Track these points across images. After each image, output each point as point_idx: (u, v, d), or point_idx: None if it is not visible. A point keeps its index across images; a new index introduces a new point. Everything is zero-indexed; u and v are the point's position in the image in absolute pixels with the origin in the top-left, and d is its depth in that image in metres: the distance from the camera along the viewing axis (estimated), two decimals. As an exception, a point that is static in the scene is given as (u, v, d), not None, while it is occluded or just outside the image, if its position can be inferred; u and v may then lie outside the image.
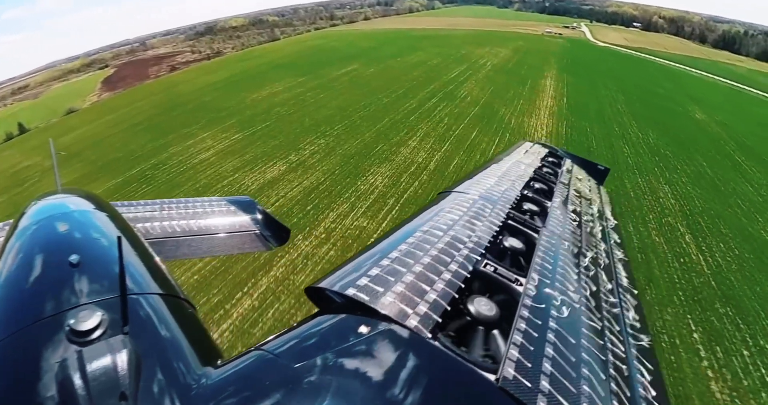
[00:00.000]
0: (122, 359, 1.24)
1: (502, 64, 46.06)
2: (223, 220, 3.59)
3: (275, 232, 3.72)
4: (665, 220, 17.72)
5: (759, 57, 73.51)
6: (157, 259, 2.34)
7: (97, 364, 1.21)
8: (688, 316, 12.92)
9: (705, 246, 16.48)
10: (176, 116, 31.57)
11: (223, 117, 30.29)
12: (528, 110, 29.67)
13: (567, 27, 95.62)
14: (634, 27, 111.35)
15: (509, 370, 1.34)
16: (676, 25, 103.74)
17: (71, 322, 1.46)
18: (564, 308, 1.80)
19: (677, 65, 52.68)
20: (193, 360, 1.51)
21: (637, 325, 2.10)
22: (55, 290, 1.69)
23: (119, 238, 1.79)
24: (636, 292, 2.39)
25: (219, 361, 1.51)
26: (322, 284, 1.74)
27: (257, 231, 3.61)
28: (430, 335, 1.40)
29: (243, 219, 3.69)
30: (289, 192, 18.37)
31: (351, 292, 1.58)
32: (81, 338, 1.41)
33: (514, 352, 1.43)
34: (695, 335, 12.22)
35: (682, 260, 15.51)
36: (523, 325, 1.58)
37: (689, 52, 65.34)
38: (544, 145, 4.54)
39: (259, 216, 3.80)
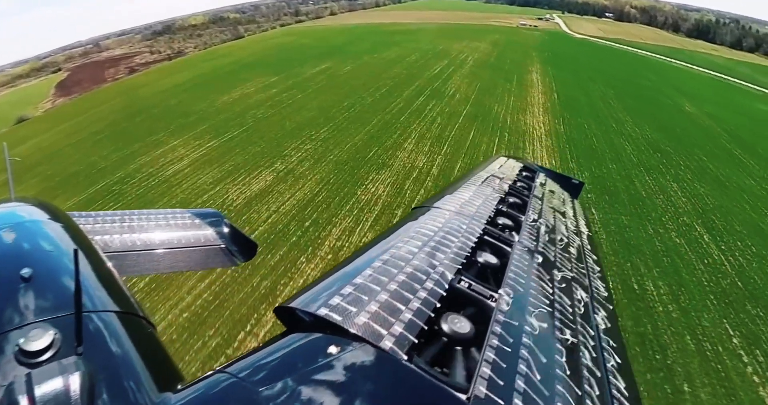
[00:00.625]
0: (75, 382, 1.21)
1: (484, 58, 46.07)
2: (188, 234, 3.51)
3: (242, 247, 3.66)
4: (681, 220, 17.71)
5: (733, 46, 77.05)
6: (116, 274, 2.28)
7: (48, 387, 1.19)
8: (724, 320, 12.91)
9: (724, 245, 16.57)
10: (141, 122, 29.62)
11: (194, 122, 28.64)
12: (521, 107, 29.51)
13: (541, 19, 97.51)
14: (607, 17, 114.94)
15: (481, 389, 1.36)
16: (649, 15, 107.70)
17: (21, 341, 1.43)
18: (537, 323, 1.83)
19: (657, 56, 54.35)
20: (151, 384, 1.47)
21: (613, 339, 2.12)
22: (3, 306, 1.67)
23: (75, 250, 1.76)
24: (612, 306, 2.42)
25: (179, 385, 1.46)
26: (293, 304, 1.71)
27: (223, 245, 3.55)
28: (404, 357, 1.38)
29: (208, 233, 3.61)
30: (282, 206, 17.23)
31: (323, 312, 1.56)
32: (31, 359, 1.39)
33: (486, 370, 1.44)
34: (735, 340, 12.18)
35: (705, 261, 15.56)
36: (495, 342, 1.60)
37: (665, 42, 67.69)
38: (518, 160, 4.65)
39: (225, 230, 3.73)
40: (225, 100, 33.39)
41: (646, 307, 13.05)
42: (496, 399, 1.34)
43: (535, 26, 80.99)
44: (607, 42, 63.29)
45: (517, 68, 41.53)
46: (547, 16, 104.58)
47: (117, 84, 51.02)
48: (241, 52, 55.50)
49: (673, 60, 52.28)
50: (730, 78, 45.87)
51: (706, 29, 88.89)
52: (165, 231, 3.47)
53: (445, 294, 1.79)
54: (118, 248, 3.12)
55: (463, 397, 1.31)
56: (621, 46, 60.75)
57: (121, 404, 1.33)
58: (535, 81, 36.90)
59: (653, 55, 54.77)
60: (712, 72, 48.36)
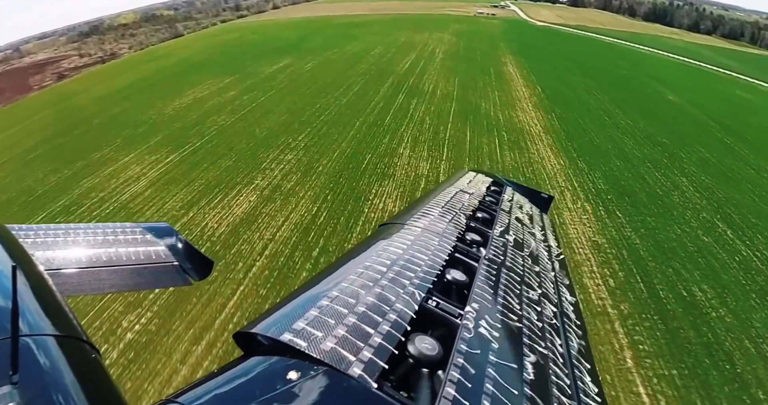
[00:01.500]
0: None
1: (452, 50, 45.90)
2: (138, 250, 3.42)
3: (197, 264, 3.60)
4: (701, 216, 17.91)
5: (690, 28, 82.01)
6: (58, 294, 2.23)
7: None
8: (771, 320, 12.89)
9: (748, 240, 16.95)
10: (80, 136, 26.62)
11: (145, 133, 26.09)
12: (508, 103, 29.30)
13: (496, 6, 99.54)
14: (561, 3, 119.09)
15: None
16: (603, 0, 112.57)
17: None
18: (504, 340, 1.85)
19: (621, 42, 56.75)
20: None
21: (582, 355, 2.16)
22: None
23: (14, 267, 1.76)
24: (580, 322, 2.46)
25: None
26: (253, 329, 1.66)
27: (176, 262, 3.48)
28: (374, 384, 1.38)
29: (160, 249, 3.56)
30: (278, 232, 15.61)
31: (286, 337, 1.53)
32: None
33: (450, 390, 1.45)
34: (786, 343, 12.14)
35: (737, 259, 15.90)
36: (460, 361, 1.62)
37: (625, 28, 70.87)
38: (487, 174, 4.76)
39: (179, 245, 3.68)
40: (177, 106, 30.83)
41: (700, 314, 12.98)
42: None
43: (493, 14, 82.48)
44: (569, 29, 65.40)
45: (490, 60, 41.58)
46: (503, 3, 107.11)
47: (46, 92, 46.38)
48: (183, 52, 52.28)
49: (638, 45, 54.69)
50: (696, 62, 48.44)
51: (662, 13, 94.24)
52: (113, 247, 3.34)
53: (414, 315, 1.78)
54: (61, 265, 2.99)
55: None
56: (584, 33, 62.95)
57: None
58: (513, 73, 36.97)
59: (617, 41, 57.12)
60: (679, 57, 50.96)
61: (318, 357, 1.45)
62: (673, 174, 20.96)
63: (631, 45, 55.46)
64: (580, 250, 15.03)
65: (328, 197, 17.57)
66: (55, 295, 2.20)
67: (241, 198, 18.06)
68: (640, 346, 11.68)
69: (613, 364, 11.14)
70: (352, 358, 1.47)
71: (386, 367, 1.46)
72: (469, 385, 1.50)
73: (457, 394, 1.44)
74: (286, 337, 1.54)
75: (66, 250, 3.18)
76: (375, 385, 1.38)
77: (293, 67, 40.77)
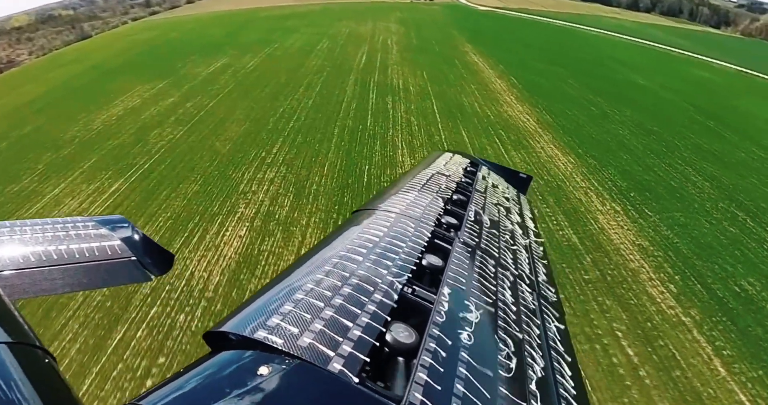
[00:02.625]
0: None
1: (406, 41, 45.57)
2: (92, 246, 3.35)
3: (156, 258, 3.62)
4: (719, 206, 18.79)
5: (630, 7, 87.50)
6: (5, 297, 2.25)
7: None
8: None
9: (767, 225, 17.62)
10: (-11, 166, 22.71)
11: (73, 155, 23.03)
12: (489, 97, 29.29)
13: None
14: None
15: (416, 395, 1.41)
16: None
17: None
18: (477, 324, 1.93)
19: (570, 24, 59.36)
20: None
21: (559, 338, 2.25)
22: None
23: None
24: (557, 303, 2.57)
25: None
26: (225, 327, 1.67)
27: (134, 258, 3.46)
28: (355, 379, 1.42)
29: (116, 244, 3.50)
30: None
31: (261, 335, 1.55)
32: None
33: (422, 375, 1.50)
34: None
35: (765, 247, 16.66)
36: (432, 346, 1.67)
37: (567, 9, 74.30)
38: (464, 155, 4.89)
39: (136, 239, 3.65)
40: (106, 120, 27.67)
41: (758, 309, 13.53)
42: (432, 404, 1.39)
43: (431, 0, 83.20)
44: (513, 13, 67.62)
45: (450, 50, 41.66)
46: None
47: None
48: (97, 55, 47.77)
49: (586, 27, 57.57)
50: (648, 42, 51.71)
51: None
52: (64, 243, 3.27)
53: (394, 305, 1.84)
54: (8, 266, 2.93)
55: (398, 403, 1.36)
56: (529, 16, 65.28)
57: None
58: (480, 64, 37.18)
59: (565, 23, 59.76)
60: (630, 38, 54.17)
61: (296, 354, 1.46)
62: (678, 164, 21.77)
63: (580, 27, 58.27)
64: (631, 256, 14.96)
65: (340, 223, 16.10)
66: (2, 299, 2.17)
67: (228, 233, 16.06)
68: (724, 352, 11.92)
69: (710, 377, 11.22)
70: (331, 353, 1.49)
71: (367, 360, 1.49)
72: (441, 370, 1.56)
73: (429, 379, 1.49)
74: (261, 334, 1.55)
75: (12, 249, 3.09)
76: (356, 380, 1.40)
77: (234, 67, 38.33)
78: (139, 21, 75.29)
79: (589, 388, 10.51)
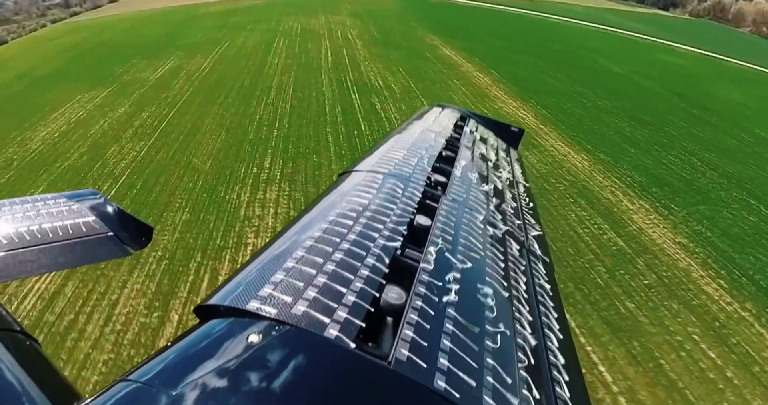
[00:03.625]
0: None
1: (368, 35, 45.26)
2: (66, 223, 3.39)
3: (133, 232, 3.63)
4: (733, 195, 20.47)
5: None
6: None
7: None
8: None
9: (784, 213, 18.94)
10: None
11: (13, 183, 21.28)
12: (478, 93, 29.73)
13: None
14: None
15: (402, 351, 1.49)
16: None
17: None
18: (464, 280, 2.02)
19: (526, 12, 61.28)
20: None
21: (548, 292, 2.35)
22: None
23: None
24: (548, 259, 2.69)
25: (75, 404, 1.49)
26: (214, 300, 1.71)
27: (111, 233, 3.50)
28: (352, 344, 1.49)
29: (91, 219, 3.54)
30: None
31: (253, 306, 1.59)
32: None
33: (409, 332, 1.57)
34: None
35: None
36: (418, 303, 1.75)
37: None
38: (453, 109, 5.01)
39: (111, 213, 3.69)
40: (47, 137, 25.65)
41: None
42: (419, 361, 1.48)
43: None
44: (466, 1, 68.58)
45: (419, 44, 41.79)
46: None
47: None
48: (19, 63, 44.35)
49: (544, 14, 59.75)
50: (609, 28, 54.32)
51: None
52: (36, 223, 3.29)
53: (387, 269, 1.91)
54: None
55: (385, 362, 1.45)
56: (482, 4, 66.83)
57: None
58: (455, 58, 37.52)
59: (521, 11, 61.65)
60: (590, 24, 56.70)
61: (291, 323, 1.51)
62: (682, 155, 22.97)
63: (536, 14, 60.34)
64: (677, 256, 15.60)
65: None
66: None
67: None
68: (796, 346, 12.76)
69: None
70: (326, 320, 1.54)
71: (363, 325, 1.55)
72: (428, 326, 1.63)
73: (415, 336, 1.56)
74: (253, 305, 1.59)
75: None
76: (353, 345, 1.47)
77: (187, 70, 36.45)
78: (60, 23, 71.50)
79: (692, 398, 10.73)
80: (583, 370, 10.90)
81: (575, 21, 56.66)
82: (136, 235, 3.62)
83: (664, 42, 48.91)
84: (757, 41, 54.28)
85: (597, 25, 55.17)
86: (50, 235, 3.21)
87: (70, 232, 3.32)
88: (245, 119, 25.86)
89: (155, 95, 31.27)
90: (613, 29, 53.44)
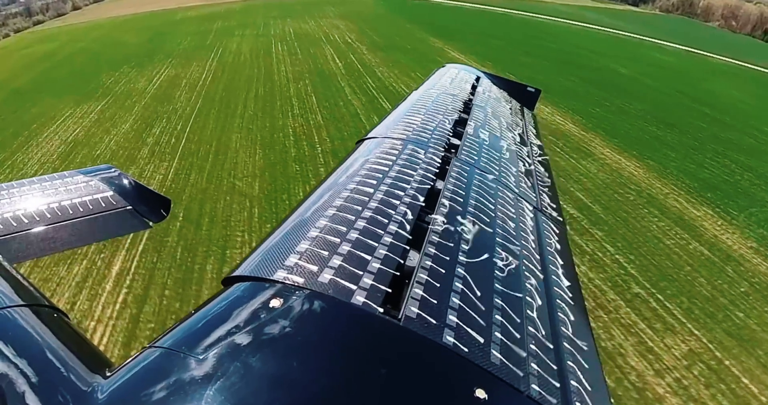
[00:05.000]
0: None
1: (367, 39, 45.18)
2: (85, 200, 3.49)
3: (152, 205, 3.73)
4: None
5: None
6: (5, 263, 2.28)
7: None
8: None
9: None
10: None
11: None
12: None
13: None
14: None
15: (412, 309, 1.57)
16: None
17: None
18: (474, 239, 2.09)
19: (510, 11, 62.27)
20: (78, 375, 1.54)
21: (559, 252, 2.41)
22: None
23: None
24: (561, 218, 2.76)
25: (107, 371, 1.54)
26: (241, 271, 1.77)
27: (129, 207, 3.58)
28: (379, 309, 1.54)
29: (109, 194, 3.63)
30: None
31: (281, 275, 1.64)
32: None
33: (418, 291, 1.66)
34: None
35: None
36: (428, 263, 1.83)
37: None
38: (468, 70, 5.18)
39: (128, 188, 3.75)
40: (44, 159, 25.01)
41: None
42: (428, 317, 1.55)
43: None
44: (448, 1, 69.04)
45: (423, 47, 42.15)
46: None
47: None
48: None
49: (526, 13, 60.93)
50: (596, 27, 55.81)
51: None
52: (57, 201, 3.33)
53: (409, 236, 1.96)
54: (3, 231, 2.97)
55: (395, 320, 1.53)
56: (463, 3, 67.51)
57: (49, 402, 1.35)
58: (467, 62, 37.60)
59: (504, 10, 62.58)
60: (576, 22, 58.03)
61: (318, 290, 1.57)
62: (714, 156, 24.07)
63: (521, 13, 61.39)
64: (755, 260, 16.39)
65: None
66: (3, 264, 2.22)
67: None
68: None
69: None
70: (353, 286, 1.61)
71: (389, 291, 1.63)
72: (438, 285, 1.71)
73: (425, 294, 1.63)
74: (281, 274, 1.64)
75: (5, 213, 3.09)
76: (381, 310, 1.54)
77: (187, 79, 35.58)
78: (25, 32, 69.18)
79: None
80: (731, 385, 11.38)
81: (559, 19, 57.91)
82: (155, 208, 3.73)
83: (649, 39, 50.82)
84: (727, 36, 57.34)
85: (581, 24, 56.65)
86: (71, 212, 3.30)
87: (90, 207, 3.41)
88: (277, 133, 25.16)
89: (160, 108, 30.29)
90: (598, 27, 55.04)
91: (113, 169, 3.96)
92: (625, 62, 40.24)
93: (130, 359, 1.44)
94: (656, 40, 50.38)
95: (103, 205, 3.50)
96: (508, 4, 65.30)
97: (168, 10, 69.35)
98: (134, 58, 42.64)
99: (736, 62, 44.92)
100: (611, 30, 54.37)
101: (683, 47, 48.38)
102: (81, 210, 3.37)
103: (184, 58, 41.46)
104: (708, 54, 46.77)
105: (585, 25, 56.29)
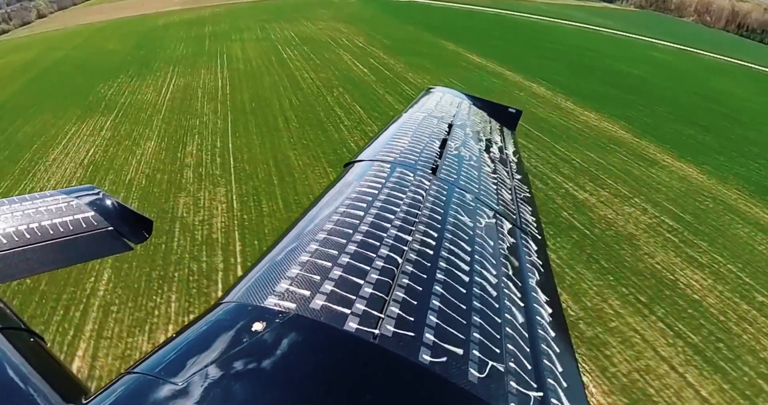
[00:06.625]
0: None
1: (377, 43, 44.97)
2: (66, 220, 3.48)
3: (133, 226, 3.77)
4: None
5: None
6: None
7: None
8: None
9: None
10: None
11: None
12: (550, 104, 30.88)
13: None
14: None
15: (388, 327, 1.60)
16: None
17: None
18: (452, 257, 2.16)
19: (501, 11, 63.55)
20: (51, 401, 1.55)
21: (539, 268, 2.50)
22: None
23: None
24: (541, 237, 2.88)
25: (83, 399, 1.54)
26: (230, 297, 1.81)
27: (110, 228, 3.60)
28: (374, 331, 1.59)
29: (91, 215, 3.63)
30: None
31: (271, 301, 1.67)
32: None
33: (395, 309, 1.70)
34: None
35: None
36: (405, 281, 1.88)
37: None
38: (453, 92, 5.42)
39: (110, 208, 3.78)
40: (60, 187, 22.39)
41: None
42: (406, 333, 1.58)
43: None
44: (433, 2, 69.51)
45: (438, 51, 42.52)
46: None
47: None
48: None
49: (514, 13, 62.63)
50: (586, 25, 57.95)
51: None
52: (36, 221, 3.32)
53: (399, 258, 2.02)
54: None
55: (370, 338, 1.54)
56: (452, 4, 68.35)
57: None
58: (489, 65, 38.81)
59: (495, 10, 63.76)
60: (567, 22, 60.00)
61: (310, 317, 1.58)
62: (757, 158, 25.51)
63: (511, 13, 62.94)
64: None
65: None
66: None
67: None
68: None
69: None
70: (346, 311, 1.62)
71: (382, 316, 1.64)
72: (415, 303, 1.75)
73: (401, 312, 1.67)
74: (271, 300, 1.65)
75: None
76: (375, 333, 1.56)
77: (202, 89, 34.25)
78: None
79: None
80: None
81: (548, 19, 59.82)
82: (137, 229, 3.70)
83: (638, 37, 53.36)
84: (704, 31, 61.09)
85: (572, 23, 58.77)
86: (50, 233, 3.25)
87: (71, 228, 3.36)
88: (339, 148, 24.11)
89: (184, 122, 28.47)
90: (589, 26, 57.23)
91: (96, 190, 3.93)
92: (631, 63, 42.13)
93: (107, 386, 1.42)
94: (645, 38, 52.94)
95: (84, 225, 3.45)
96: (491, 3, 66.60)
97: (146, 16, 67.05)
98: (129, 66, 40.71)
99: (727, 59, 48.04)
100: (602, 29, 56.63)
101: (673, 45, 51.10)
102: (61, 230, 3.32)
103: (187, 65, 39.84)
104: (698, 51, 49.69)
105: (576, 24, 58.30)
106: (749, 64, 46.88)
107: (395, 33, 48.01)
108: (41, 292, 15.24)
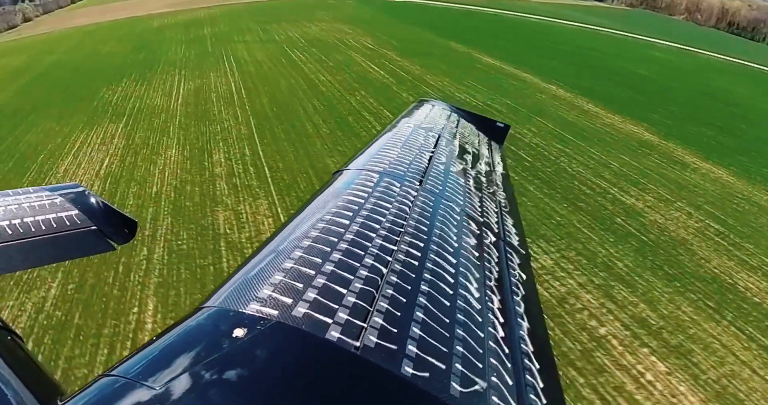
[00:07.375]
0: None
1: (386, 44, 44.38)
2: (49, 218, 3.44)
3: (118, 226, 3.76)
4: None
5: None
6: None
7: None
8: None
9: None
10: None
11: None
12: (576, 108, 31.26)
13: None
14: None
15: (371, 338, 1.60)
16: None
17: None
18: (436, 268, 2.16)
19: (499, 11, 63.99)
20: (26, 402, 1.56)
21: (523, 282, 2.51)
22: None
23: None
24: (525, 251, 2.91)
25: (58, 400, 1.54)
26: (211, 303, 1.82)
27: (94, 227, 3.58)
28: (356, 342, 1.58)
29: (74, 213, 3.60)
30: None
31: (253, 307, 1.66)
32: None
33: (378, 320, 1.69)
34: None
35: None
36: (389, 291, 1.87)
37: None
38: (442, 105, 5.43)
39: (95, 207, 3.77)
40: None
41: None
42: (388, 345, 1.58)
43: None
44: (430, 2, 69.71)
45: (450, 53, 42.02)
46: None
47: None
48: None
49: (511, 12, 63.19)
50: (584, 25, 58.80)
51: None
52: (18, 217, 3.26)
53: (383, 267, 2.02)
54: None
55: (352, 349, 1.54)
56: (446, 4, 68.64)
57: None
58: (506, 68, 38.82)
59: (493, 10, 64.24)
60: (564, 22, 60.69)
61: (292, 324, 1.58)
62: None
63: (507, 13, 63.47)
64: None
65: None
66: None
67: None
68: None
69: None
70: (329, 320, 1.62)
71: (365, 326, 1.64)
72: (399, 314, 1.74)
73: (385, 323, 1.67)
74: (253, 307, 1.64)
75: None
76: (356, 344, 1.55)
77: (217, 94, 33.37)
78: None
79: None
80: None
81: (547, 19, 60.49)
82: (120, 229, 3.66)
83: (637, 36, 54.47)
84: (696, 29, 62.85)
85: (571, 23, 59.47)
86: (32, 230, 3.19)
87: (54, 226, 3.30)
88: None
89: (204, 128, 27.67)
90: (588, 26, 58.04)
91: (80, 188, 3.86)
92: (636, 63, 42.97)
93: (83, 388, 1.42)
94: (642, 37, 54.15)
95: (67, 223, 3.39)
96: (487, 3, 67.16)
97: (137, 18, 65.81)
98: (131, 70, 39.75)
99: (724, 58, 49.56)
100: (599, 28, 57.56)
101: (670, 44, 52.44)
102: (43, 228, 3.24)
103: (194, 68, 39.06)
104: (696, 50, 51.02)
105: (574, 23, 59.11)
106: (745, 62, 48.39)
107: (400, 34, 48.06)
108: (77, 327, 14.37)
